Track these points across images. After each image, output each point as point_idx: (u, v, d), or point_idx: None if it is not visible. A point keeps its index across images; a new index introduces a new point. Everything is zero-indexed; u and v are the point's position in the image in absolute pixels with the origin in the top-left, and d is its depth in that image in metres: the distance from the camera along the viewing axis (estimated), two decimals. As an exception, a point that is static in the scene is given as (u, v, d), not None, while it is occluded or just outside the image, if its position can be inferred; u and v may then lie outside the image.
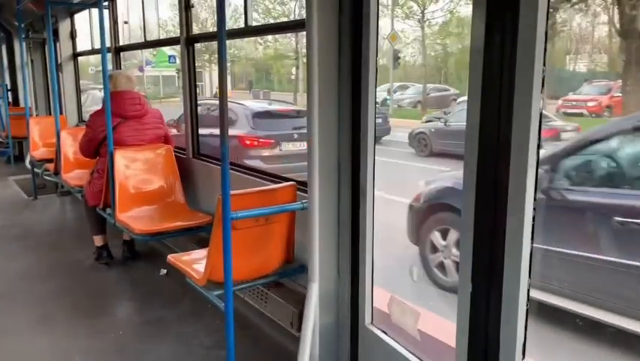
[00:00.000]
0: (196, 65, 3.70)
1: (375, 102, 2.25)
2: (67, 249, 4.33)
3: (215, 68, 20.47)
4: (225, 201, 2.17)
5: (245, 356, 2.56)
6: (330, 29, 2.23)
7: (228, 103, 2.16)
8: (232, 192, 2.19)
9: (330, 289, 2.40)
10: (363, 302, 2.33)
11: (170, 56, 24.52)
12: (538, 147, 1.47)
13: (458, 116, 6.23)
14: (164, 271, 3.78)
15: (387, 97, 10.60)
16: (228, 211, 2.18)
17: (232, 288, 2.28)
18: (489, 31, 1.51)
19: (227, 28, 2.09)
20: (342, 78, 2.26)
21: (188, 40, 3.65)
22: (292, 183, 2.57)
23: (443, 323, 2.47)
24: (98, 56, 4.05)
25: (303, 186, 2.57)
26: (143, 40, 5.05)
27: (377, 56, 2.23)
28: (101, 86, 3.89)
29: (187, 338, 2.90)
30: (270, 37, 22.44)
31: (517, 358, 1.57)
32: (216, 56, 2.35)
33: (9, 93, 8.44)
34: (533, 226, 1.52)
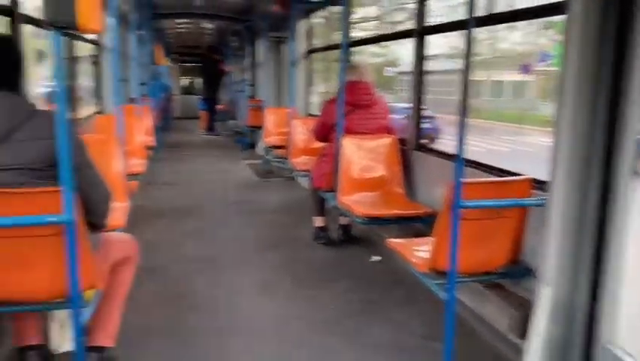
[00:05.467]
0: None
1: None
2: (289, 226, 4.73)
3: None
4: (456, 189, 2.13)
5: (459, 354, 2.47)
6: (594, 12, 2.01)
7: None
8: (463, 180, 2.14)
9: (562, 296, 2.18)
10: (604, 317, 2.06)
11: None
12: None
13: None
14: (378, 258, 3.89)
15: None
16: (458, 199, 2.13)
17: (455, 278, 2.23)
18: None
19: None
20: (602, 69, 2.02)
21: (422, 32, 3.67)
22: (527, 177, 2.40)
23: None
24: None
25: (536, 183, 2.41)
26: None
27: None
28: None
29: (400, 324, 2.92)
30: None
31: None
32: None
33: (249, 88, 9.60)
34: None
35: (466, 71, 2.11)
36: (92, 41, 5.91)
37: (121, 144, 3.38)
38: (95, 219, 2.05)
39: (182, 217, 5.01)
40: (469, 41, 2.05)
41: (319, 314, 3.02)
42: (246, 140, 9.48)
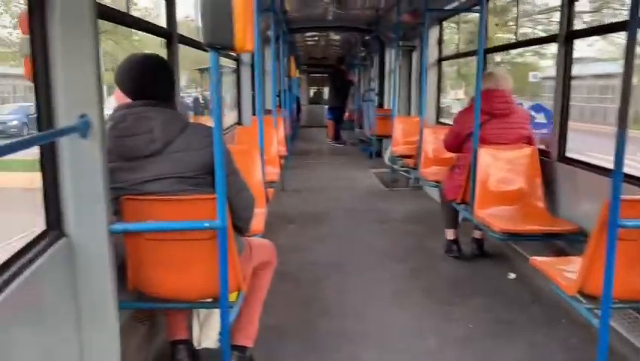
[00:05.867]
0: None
1: None
2: (418, 237, 4.66)
3: None
4: (614, 206, 1.95)
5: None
6: None
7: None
8: (623, 197, 1.95)
9: None
10: None
11: None
12: None
13: None
14: (513, 275, 3.69)
15: None
16: (616, 217, 1.95)
17: (610, 304, 2.04)
18: None
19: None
20: None
21: (569, 36, 3.42)
22: (700, 195, 2.13)
23: None
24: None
25: None
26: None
27: None
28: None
29: (538, 347, 2.74)
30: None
31: None
32: None
33: (376, 97, 9.66)
34: None
35: (628, 75, 1.92)
36: (232, 57, 6.33)
37: (260, 153, 3.57)
38: (240, 224, 2.19)
39: (312, 223, 5.16)
40: (632, 44, 1.88)
41: (453, 330, 2.94)
42: (372, 149, 9.55)
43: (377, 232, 4.85)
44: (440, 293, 3.43)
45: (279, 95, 7.46)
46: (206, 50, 1.76)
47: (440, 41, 6.41)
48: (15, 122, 21.22)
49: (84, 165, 1.69)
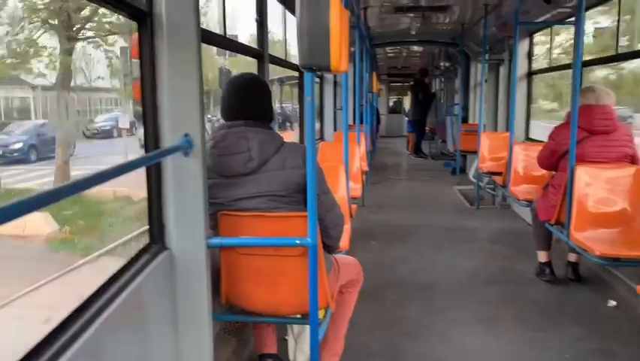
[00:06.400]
0: None
1: None
2: (507, 258, 4.46)
3: None
4: None
5: None
6: None
7: None
8: None
9: None
10: None
11: None
12: None
13: None
14: (613, 302, 3.43)
15: None
16: None
17: None
18: None
19: None
20: None
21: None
22: None
23: None
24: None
25: None
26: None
27: None
28: None
29: (646, 384, 2.54)
30: None
31: None
32: None
33: (461, 111, 9.42)
34: None
35: None
36: (317, 75, 6.44)
37: (346, 169, 3.59)
38: (329, 242, 2.21)
39: (394, 241, 5.08)
40: None
41: (547, 359, 2.78)
42: (455, 164, 9.27)
43: (463, 252, 4.69)
44: (532, 319, 3.26)
45: (361, 111, 7.47)
46: (299, 70, 1.80)
47: (530, 54, 6.16)
48: (18, 145, 17.16)
49: (186, 181, 1.78)
